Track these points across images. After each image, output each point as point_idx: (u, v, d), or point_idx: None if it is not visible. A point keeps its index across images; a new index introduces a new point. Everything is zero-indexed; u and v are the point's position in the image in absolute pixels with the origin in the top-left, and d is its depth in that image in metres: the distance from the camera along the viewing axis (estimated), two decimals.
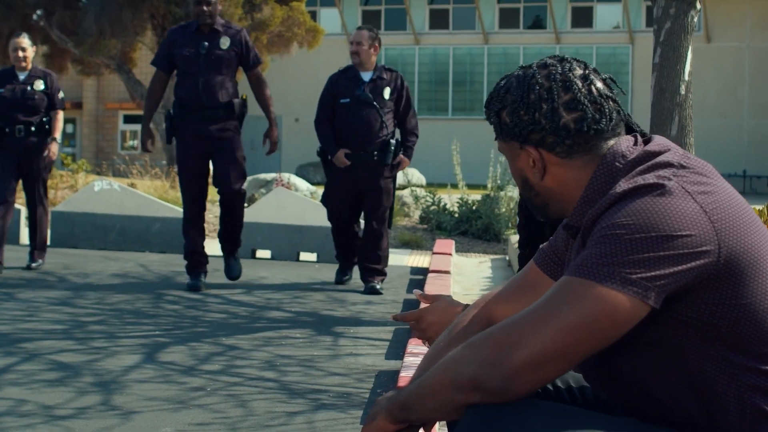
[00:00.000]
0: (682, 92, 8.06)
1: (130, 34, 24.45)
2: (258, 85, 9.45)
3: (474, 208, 15.33)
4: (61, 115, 10.42)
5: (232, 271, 9.66)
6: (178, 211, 12.67)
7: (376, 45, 9.56)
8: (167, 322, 7.55)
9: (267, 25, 23.13)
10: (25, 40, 10.44)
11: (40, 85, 10.32)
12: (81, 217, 12.36)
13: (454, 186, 16.76)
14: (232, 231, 9.54)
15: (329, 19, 39.92)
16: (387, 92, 9.46)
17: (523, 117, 2.41)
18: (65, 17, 25.43)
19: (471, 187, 17.44)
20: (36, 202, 10.33)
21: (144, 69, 30.51)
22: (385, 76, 9.55)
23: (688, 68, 8.06)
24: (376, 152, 9.34)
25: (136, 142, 37.94)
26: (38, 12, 26.23)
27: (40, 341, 6.58)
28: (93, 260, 10.99)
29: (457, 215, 15.45)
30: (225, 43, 9.18)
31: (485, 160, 17.14)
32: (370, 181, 9.40)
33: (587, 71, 2.44)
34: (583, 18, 38.70)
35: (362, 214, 9.66)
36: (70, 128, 42.47)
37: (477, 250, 14.05)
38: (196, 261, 9.39)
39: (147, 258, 11.56)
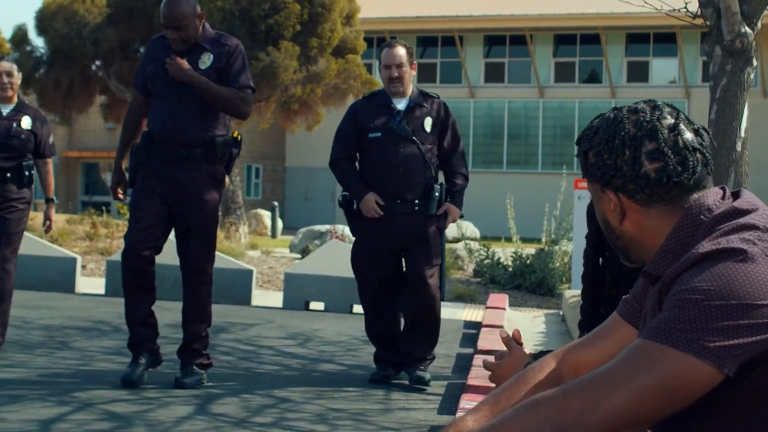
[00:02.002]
0: (738, 149, 8.02)
1: None
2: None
3: (528, 262, 15.28)
4: (51, 167, 8.66)
5: (183, 380, 6.99)
6: (232, 262, 12.73)
7: (415, 63, 7.66)
8: (220, 373, 7.55)
9: (322, 78, 23.28)
10: (9, 65, 8.64)
11: (27, 122, 8.36)
12: None
13: (508, 240, 16.71)
14: (190, 325, 7.13)
15: None
16: (428, 123, 7.54)
17: (606, 161, 2.40)
18: (123, 68, 25.77)
19: (525, 240, 17.39)
20: (4, 261, 8.26)
21: None
22: (424, 103, 7.59)
23: (744, 125, 8.02)
24: (417, 200, 7.41)
25: None
26: (97, 63, 26.60)
27: (93, 390, 6.60)
28: None
29: (511, 269, 15.39)
30: (206, 60, 7.02)
31: (539, 214, 17.08)
32: (410, 235, 7.42)
33: (677, 120, 2.41)
34: (638, 72, 38.60)
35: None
36: None
37: (531, 305, 13.97)
38: (139, 335, 7.02)
39: None
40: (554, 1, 36.81)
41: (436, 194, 7.44)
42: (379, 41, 39.09)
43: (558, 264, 15.11)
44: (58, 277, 12.99)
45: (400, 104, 7.53)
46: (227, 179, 24.37)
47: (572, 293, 11.69)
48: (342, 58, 24.11)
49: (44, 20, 25.14)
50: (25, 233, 13.27)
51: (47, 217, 8.67)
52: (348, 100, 25.38)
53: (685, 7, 8.26)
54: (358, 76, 24.59)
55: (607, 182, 2.41)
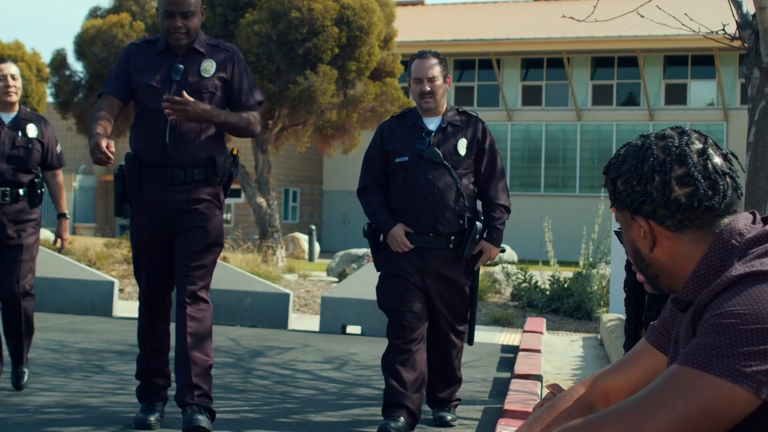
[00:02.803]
0: None
1: None
2: (239, 113, 6.34)
3: (566, 285, 15.21)
4: (62, 178, 7.93)
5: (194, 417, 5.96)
6: (269, 285, 12.74)
7: (449, 77, 6.77)
8: (256, 397, 7.55)
9: (360, 102, 23.31)
10: (12, 67, 7.68)
11: (32, 131, 7.61)
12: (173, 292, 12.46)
13: (546, 263, 16.66)
14: (181, 360, 6.11)
15: None
16: (462, 145, 6.64)
17: (635, 187, 2.40)
18: None
19: (563, 264, 17.33)
20: (15, 292, 7.43)
21: (238, 143, 30.88)
22: (459, 122, 6.73)
23: None
24: (453, 236, 6.54)
25: (230, 215, 38.29)
26: None
27: (131, 414, 6.60)
28: None
29: (548, 293, 15.34)
30: (209, 68, 6.24)
31: (577, 237, 17.04)
32: (441, 279, 6.58)
33: (706, 146, 2.40)
34: (676, 95, 38.47)
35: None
36: None
37: (568, 329, 13.90)
38: (151, 386, 6.47)
39: (238, 332, 11.60)
40: (592, 24, 36.73)
41: (477, 236, 6.56)
42: None
43: (596, 287, 15.04)
44: (96, 300, 13.05)
45: (432, 124, 6.66)
46: (264, 202, 24.61)
47: (610, 317, 11.62)
48: (379, 81, 24.14)
49: (83, 45, 25.30)
50: (63, 257, 13.37)
51: (59, 235, 7.90)
52: None
53: (723, 29, 8.21)
54: (396, 99, 24.60)
55: (637, 209, 2.41)
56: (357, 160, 37.36)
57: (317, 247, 29.44)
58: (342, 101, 23.24)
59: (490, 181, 6.71)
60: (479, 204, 6.82)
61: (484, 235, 6.66)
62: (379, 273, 6.74)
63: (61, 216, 7.84)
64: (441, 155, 6.55)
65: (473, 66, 40.10)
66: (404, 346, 6.47)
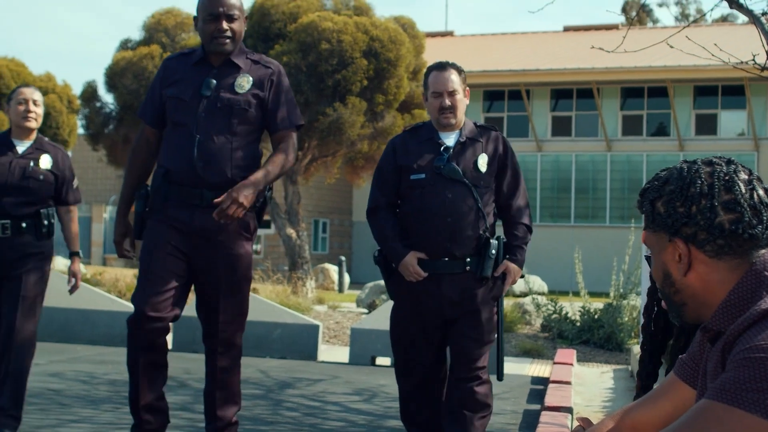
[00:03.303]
0: None
1: None
2: (277, 150, 5.87)
3: (596, 316, 15.14)
4: (76, 215, 7.37)
5: None
6: (299, 317, 12.73)
7: (468, 90, 6.25)
8: (285, 429, 7.53)
9: (389, 133, 23.35)
10: (36, 93, 7.15)
11: (46, 162, 7.10)
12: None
13: (576, 294, 16.60)
14: (217, 410, 5.87)
15: None
16: (483, 162, 6.10)
17: (678, 209, 2.39)
18: None
19: (593, 295, 17.27)
20: (14, 331, 6.83)
21: None
22: (479, 137, 6.19)
23: None
24: (469, 258, 6.00)
25: (260, 246, 38.35)
26: None
27: None
28: None
29: (579, 324, 15.27)
30: (244, 84, 5.78)
31: (608, 268, 16.96)
32: (459, 305, 6.01)
33: (752, 176, 2.41)
34: (707, 125, 38.34)
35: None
36: None
37: (599, 360, 13.83)
38: (147, 425, 5.83)
39: (267, 364, 11.59)
40: (621, 54, 36.68)
41: (493, 251, 6.00)
42: None
43: (626, 318, 14.96)
44: (126, 331, 13.04)
45: (449, 139, 6.13)
46: (294, 233, 24.62)
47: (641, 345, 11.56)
48: (408, 113, 24.19)
49: (113, 77, 25.47)
50: (92, 288, 13.40)
51: (72, 274, 7.30)
52: None
53: (753, 60, 8.18)
54: None
55: (677, 231, 2.40)
56: None
57: (347, 278, 29.43)
58: (371, 133, 23.29)
59: (512, 199, 6.18)
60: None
61: (506, 256, 6.08)
62: (393, 303, 6.27)
63: (74, 254, 7.30)
64: (461, 172, 6.00)
65: (503, 97, 40.12)
66: (417, 392, 6.12)
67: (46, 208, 7.05)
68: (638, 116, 39.18)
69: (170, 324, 5.67)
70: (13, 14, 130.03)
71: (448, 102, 6.06)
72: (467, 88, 6.19)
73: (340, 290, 28.16)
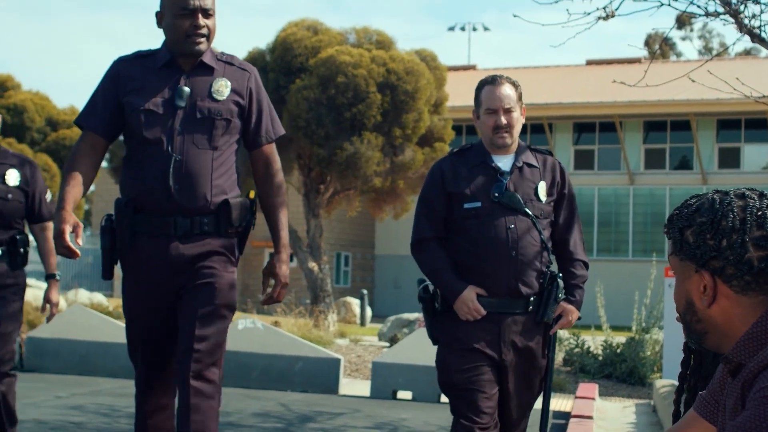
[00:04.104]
0: None
1: None
2: (266, 180, 5.21)
3: (618, 351, 15.08)
4: (51, 233, 6.38)
5: None
6: (320, 350, 12.72)
7: (524, 108, 5.61)
8: None
9: (408, 168, 23.36)
10: None
11: (14, 177, 6.42)
12: (224, 356, 12.46)
13: (598, 328, 16.53)
14: None
15: None
16: (542, 189, 5.49)
17: (708, 241, 2.37)
18: None
19: (615, 329, 17.20)
20: None
21: (290, 208, 30.98)
22: (535, 161, 5.55)
23: None
24: (532, 298, 5.34)
25: None
26: None
27: None
28: (235, 398, 11.03)
29: (601, 358, 15.21)
30: (222, 89, 5.00)
31: (630, 302, 16.90)
32: (519, 348, 5.36)
33: None
34: (730, 158, 38.27)
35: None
36: None
37: (621, 394, 13.76)
38: None
39: (288, 397, 11.58)
40: (644, 88, 36.65)
41: (560, 295, 5.41)
42: (468, 129, 39.26)
43: (649, 353, 14.90)
44: None
45: (503, 163, 5.47)
46: (316, 266, 24.60)
47: (663, 383, 11.50)
48: (429, 146, 24.20)
49: None
50: (114, 320, 13.40)
51: (48, 300, 6.61)
52: None
53: None
54: None
55: (705, 263, 2.38)
56: (408, 225, 37.18)
57: (369, 312, 29.40)
58: (389, 169, 23.31)
59: (569, 232, 5.60)
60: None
61: (562, 296, 5.47)
62: (437, 345, 5.50)
63: (51, 277, 6.63)
64: (522, 201, 5.36)
65: (525, 130, 40.12)
66: None
67: (22, 233, 6.45)
68: (661, 150, 39.13)
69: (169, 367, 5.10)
70: (36, 47, 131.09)
71: (504, 120, 5.41)
72: (523, 105, 5.57)
73: (362, 324, 28.13)
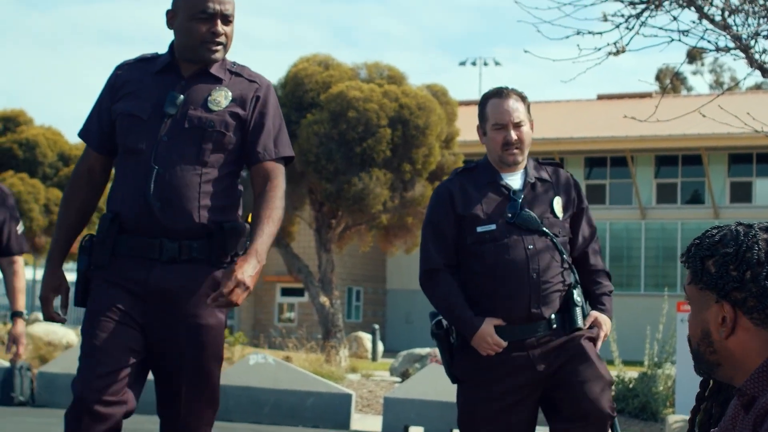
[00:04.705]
0: None
1: (288, 209, 24.91)
2: (261, 195, 4.39)
3: (631, 386, 15.01)
4: (21, 266, 6.09)
5: None
6: (332, 385, 12.70)
7: (533, 122, 5.23)
8: None
9: (418, 203, 23.38)
10: None
11: None
12: (236, 391, 12.45)
13: (610, 362, 16.46)
14: None
15: None
16: (558, 205, 5.13)
17: (731, 272, 2.36)
18: None
19: (627, 363, 17.12)
20: None
21: (302, 243, 31.02)
22: (547, 176, 5.20)
23: None
24: (553, 315, 4.95)
25: (293, 314, 38.30)
26: None
27: None
28: None
29: (613, 393, 15.13)
30: (220, 99, 4.40)
31: (642, 337, 16.84)
32: (554, 373, 4.92)
33: None
34: (742, 193, 38.21)
35: None
36: None
37: (633, 430, 13.70)
38: None
39: None
40: (655, 123, 36.60)
41: (578, 298, 5.01)
42: None
43: (661, 388, 14.83)
44: None
45: (513, 180, 5.10)
46: (327, 301, 24.56)
47: (676, 418, 11.46)
48: (439, 180, 24.23)
49: None
50: None
51: (13, 338, 6.02)
52: None
53: None
54: None
55: (727, 294, 2.37)
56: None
57: (380, 347, 29.33)
58: (398, 204, 23.33)
59: (589, 246, 5.23)
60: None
61: (586, 308, 5.08)
62: (457, 384, 5.09)
63: (16, 315, 6.04)
64: (539, 220, 5.00)
65: None
66: None
67: None
68: (673, 184, 39.10)
69: (122, 420, 4.28)
70: (48, 82, 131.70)
71: (514, 136, 5.02)
72: (532, 118, 5.19)
73: (374, 359, 28.06)
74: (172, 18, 4.48)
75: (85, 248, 4.37)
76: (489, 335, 4.83)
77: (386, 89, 23.34)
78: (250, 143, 4.43)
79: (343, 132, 22.55)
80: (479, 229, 4.96)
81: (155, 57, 4.54)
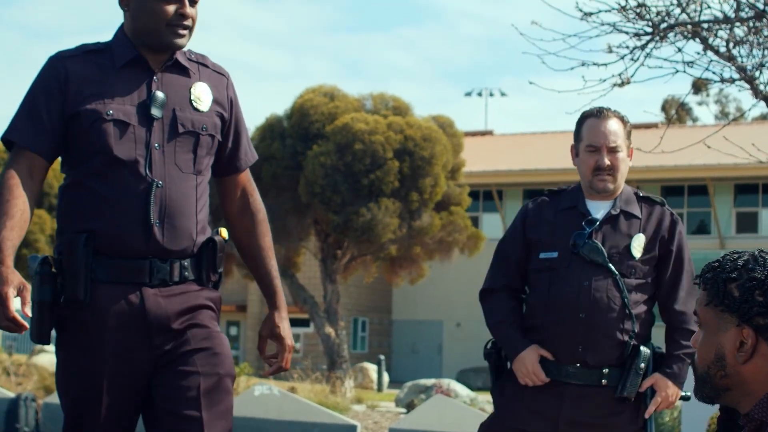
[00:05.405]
0: None
1: (294, 240, 24.93)
2: (245, 214, 3.97)
3: None
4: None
5: None
6: (336, 416, 12.65)
7: (632, 149, 4.77)
8: None
9: (426, 233, 23.38)
10: None
11: None
12: (240, 422, 12.40)
13: None
14: None
15: (491, 224, 40.16)
16: (638, 244, 4.58)
17: (756, 297, 2.34)
18: None
19: None
20: None
21: (307, 273, 31.00)
22: (638, 212, 4.68)
23: None
24: (607, 369, 4.46)
25: (299, 345, 38.23)
26: None
27: None
28: None
29: None
30: (202, 96, 3.79)
31: None
32: (585, 428, 4.49)
33: None
34: (748, 223, 38.18)
35: None
36: (234, 330, 43.12)
37: None
38: None
39: None
40: (661, 154, 36.67)
41: (642, 364, 4.45)
42: (485, 195, 39.30)
43: (668, 419, 14.78)
44: None
45: (598, 210, 4.64)
46: (332, 332, 24.51)
47: None
48: (446, 211, 24.24)
49: None
50: None
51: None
52: (453, 253, 25.38)
53: None
54: (464, 228, 24.64)
55: (750, 319, 2.35)
56: (425, 290, 37.38)
57: (386, 377, 29.27)
58: (406, 234, 23.34)
59: (675, 294, 4.62)
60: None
61: (645, 365, 4.51)
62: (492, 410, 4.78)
63: None
64: (605, 254, 4.51)
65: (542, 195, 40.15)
66: None
67: None
68: (678, 214, 39.00)
69: None
70: None
71: (607, 161, 4.59)
72: (632, 146, 4.75)
73: (379, 389, 28.00)
74: (125, 1, 3.77)
75: (45, 275, 3.57)
76: (530, 362, 4.47)
77: (391, 120, 23.40)
78: (230, 150, 3.90)
79: (349, 164, 22.59)
80: (541, 255, 4.60)
81: (103, 48, 3.79)
